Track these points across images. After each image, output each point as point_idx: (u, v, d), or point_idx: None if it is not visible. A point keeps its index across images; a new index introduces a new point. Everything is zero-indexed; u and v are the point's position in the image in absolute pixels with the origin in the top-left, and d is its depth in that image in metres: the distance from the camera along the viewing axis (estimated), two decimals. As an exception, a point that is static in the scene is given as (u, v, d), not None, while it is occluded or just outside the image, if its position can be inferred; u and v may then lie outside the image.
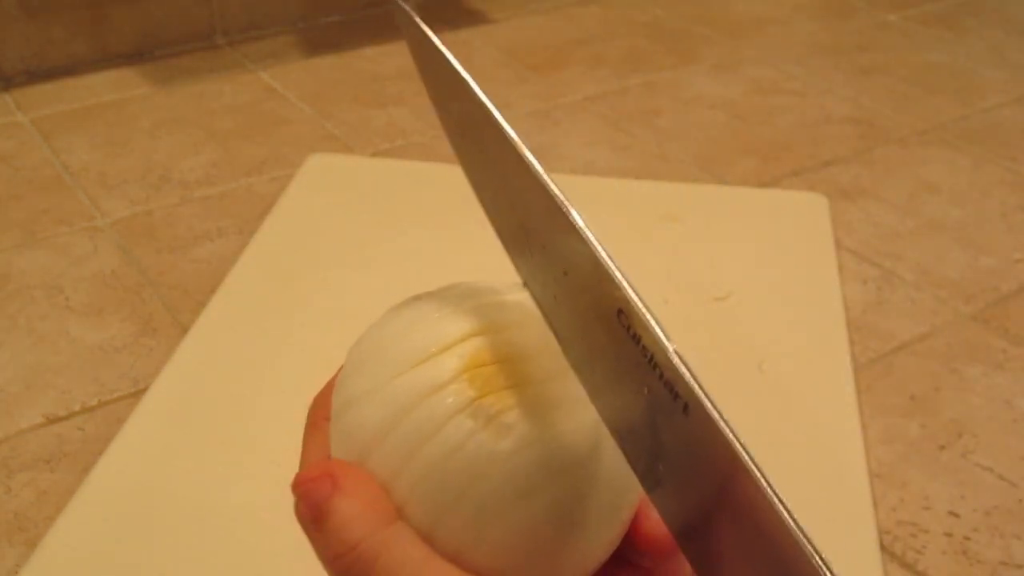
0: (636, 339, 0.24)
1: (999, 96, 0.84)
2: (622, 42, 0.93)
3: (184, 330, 0.54)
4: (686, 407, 0.23)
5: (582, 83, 0.85)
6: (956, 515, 0.45)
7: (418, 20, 0.28)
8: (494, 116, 0.28)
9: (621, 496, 0.24)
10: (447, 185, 0.68)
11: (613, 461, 0.24)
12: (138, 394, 0.50)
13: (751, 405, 0.49)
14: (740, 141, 0.76)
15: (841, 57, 0.91)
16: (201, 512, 0.42)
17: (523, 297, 0.27)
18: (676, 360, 0.23)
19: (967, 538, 0.43)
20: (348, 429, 0.26)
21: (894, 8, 1.01)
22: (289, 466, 0.46)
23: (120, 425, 0.47)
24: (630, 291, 0.23)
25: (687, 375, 0.23)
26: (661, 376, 0.24)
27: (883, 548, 0.42)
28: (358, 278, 0.57)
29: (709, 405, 0.22)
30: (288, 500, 0.40)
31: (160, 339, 0.55)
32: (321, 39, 0.93)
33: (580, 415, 0.24)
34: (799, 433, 0.46)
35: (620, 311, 0.24)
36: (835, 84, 0.85)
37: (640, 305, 0.23)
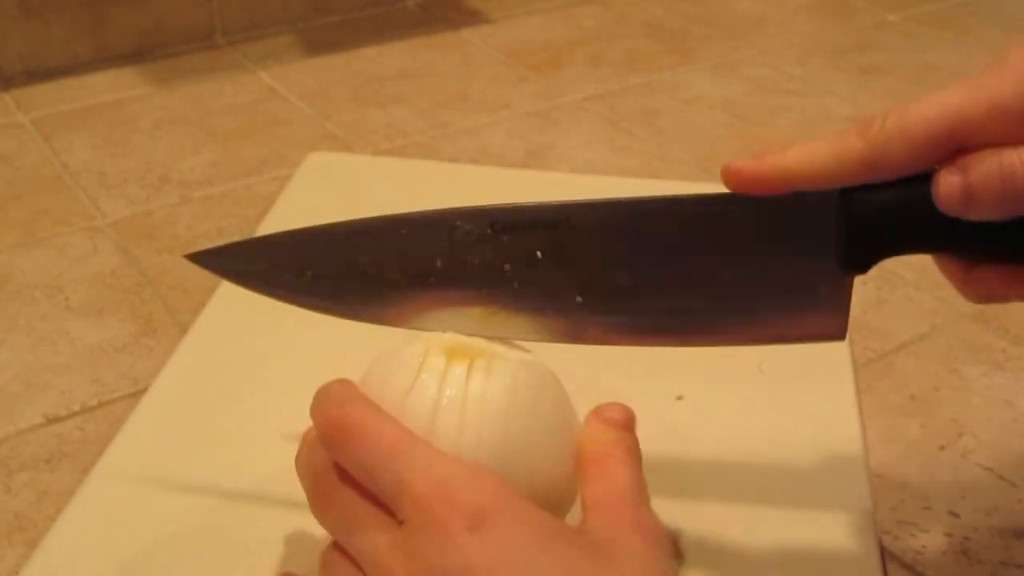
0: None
1: (999, 96, 0.83)
2: (622, 42, 0.93)
3: (184, 330, 0.54)
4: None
5: (582, 83, 0.85)
6: (956, 515, 0.45)
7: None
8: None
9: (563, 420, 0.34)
10: (448, 183, 0.68)
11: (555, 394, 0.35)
12: (138, 394, 0.50)
13: (751, 405, 0.49)
14: (740, 141, 0.76)
15: (841, 57, 0.91)
16: (201, 512, 0.42)
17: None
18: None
19: (967, 538, 0.43)
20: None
21: (894, 8, 1.01)
22: (288, 465, 0.46)
23: (120, 425, 0.47)
24: None
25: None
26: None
27: (883, 548, 0.42)
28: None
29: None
30: (288, 499, 0.41)
31: (160, 339, 0.55)
32: (321, 39, 0.93)
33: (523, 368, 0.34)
34: (799, 433, 0.46)
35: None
36: (835, 84, 0.85)
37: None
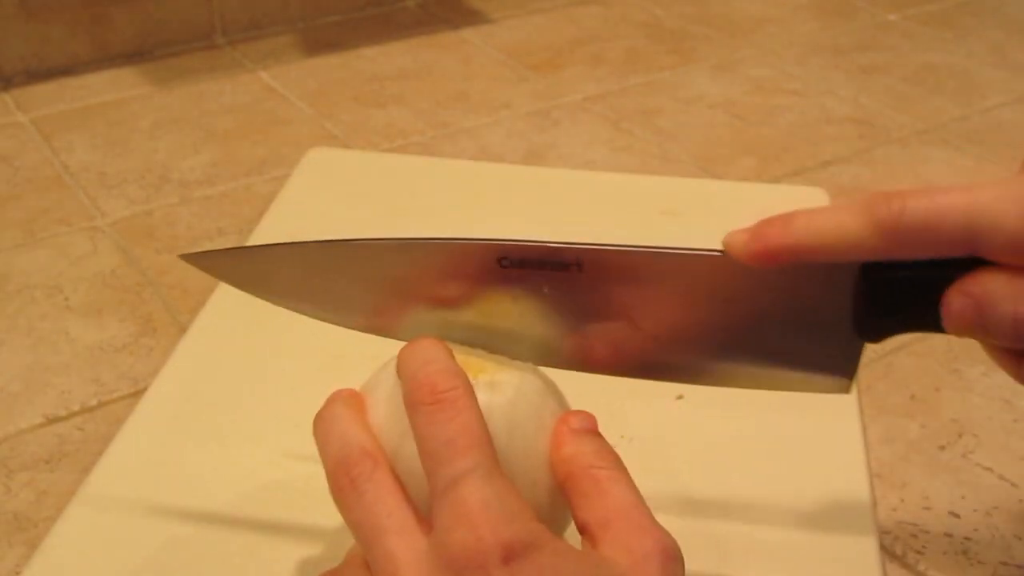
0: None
1: (999, 96, 0.84)
2: (622, 42, 0.93)
3: (183, 330, 0.54)
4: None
5: (582, 83, 0.85)
6: (956, 515, 0.45)
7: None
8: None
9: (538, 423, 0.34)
10: (448, 180, 0.68)
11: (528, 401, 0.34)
12: (138, 394, 0.50)
13: (750, 404, 0.49)
14: (740, 141, 0.76)
15: (841, 57, 0.91)
16: (202, 512, 0.42)
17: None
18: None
19: (967, 538, 0.43)
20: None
21: (894, 8, 1.01)
22: (289, 465, 0.46)
23: (120, 425, 0.47)
24: None
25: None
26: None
27: (883, 548, 0.42)
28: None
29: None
30: (288, 499, 0.41)
31: (160, 339, 0.55)
32: (321, 39, 0.93)
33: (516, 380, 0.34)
34: (799, 433, 0.46)
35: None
36: (835, 84, 0.85)
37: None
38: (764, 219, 0.32)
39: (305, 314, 0.37)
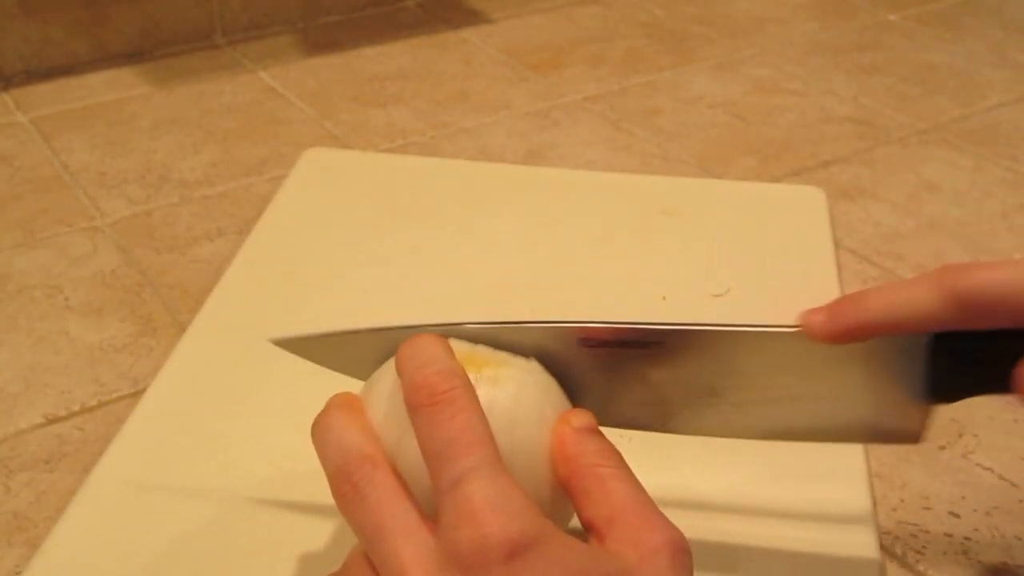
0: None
1: (999, 96, 0.84)
2: (622, 42, 0.93)
3: (183, 330, 0.54)
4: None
5: (582, 83, 0.85)
6: (956, 515, 0.45)
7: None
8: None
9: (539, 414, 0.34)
10: (447, 180, 0.68)
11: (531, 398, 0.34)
12: (138, 394, 0.50)
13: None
14: (740, 141, 0.76)
15: (841, 57, 0.91)
16: (201, 512, 0.42)
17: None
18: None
19: (967, 539, 0.43)
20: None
21: (894, 8, 1.01)
22: (288, 465, 0.46)
23: (120, 425, 0.47)
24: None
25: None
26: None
27: (883, 548, 0.42)
28: (356, 274, 0.57)
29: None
30: (288, 499, 0.41)
31: (160, 339, 0.55)
32: (321, 39, 0.93)
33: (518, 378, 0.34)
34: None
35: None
36: (835, 84, 0.85)
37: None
38: (838, 299, 0.34)
39: None
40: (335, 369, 0.38)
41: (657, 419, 0.37)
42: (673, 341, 0.35)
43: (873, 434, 0.37)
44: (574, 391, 0.36)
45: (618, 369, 0.36)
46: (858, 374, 0.35)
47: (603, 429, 0.34)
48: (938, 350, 0.34)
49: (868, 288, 0.34)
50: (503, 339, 0.36)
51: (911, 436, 0.37)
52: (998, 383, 0.34)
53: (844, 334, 0.34)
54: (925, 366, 0.35)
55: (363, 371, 0.37)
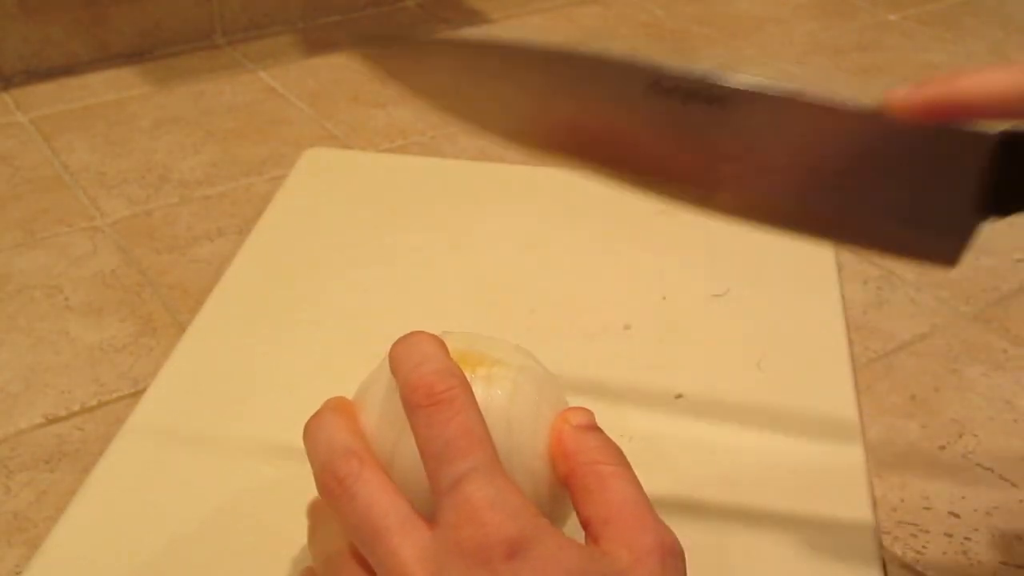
0: None
1: (999, 96, 0.83)
2: (622, 42, 0.93)
3: (183, 330, 0.54)
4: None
5: (582, 83, 0.85)
6: (956, 515, 0.45)
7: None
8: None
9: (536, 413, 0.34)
10: (447, 180, 0.68)
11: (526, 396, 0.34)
12: (138, 394, 0.50)
13: (750, 404, 0.49)
14: (740, 141, 0.76)
15: (841, 57, 0.91)
16: (202, 512, 0.42)
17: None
18: None
19: (967, 538, 0.43)
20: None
21: (894, 8, 1.01)
22: (288, 465, 0.46)
23: (120, 425, 0.47)
24: None
25: None
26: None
27: (883, 548, 0.42)
28: (356, 274, 0.57)
29: None
30: (288, 499, 0.41)
31: (160, 339, 0.55)
32: (321, 39, 0.93)
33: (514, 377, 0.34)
34: (799, 432, 0.46)
35: None
36: (835, 84, 0.85)
37: None
38: (927, 78, 0.33)
39: (453, 116, 0.38)
40: (405, 85, 0.39)
41: (704, 185, 0.37)
42: (740, 101, 0.35)
43: (912, 242, 0.36)
44: (633, 144, 0.36)
45: (680, 128, 0.35)
46: (917, 168, 0.34)
47: (603, 428, 0.34)
48: (1002, 155, 0.33)
49: (960, 70, 0.33)
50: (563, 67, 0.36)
51: (949, 254, 0.35)
52: None
53: (926, 108, 0.33)
54: (985, 173, 0.33)
55: (428, 91, 0.38)
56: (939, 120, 0.33)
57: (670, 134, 0.36)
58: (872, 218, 0.36)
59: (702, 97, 0.35)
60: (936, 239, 0.35)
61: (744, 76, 0.35)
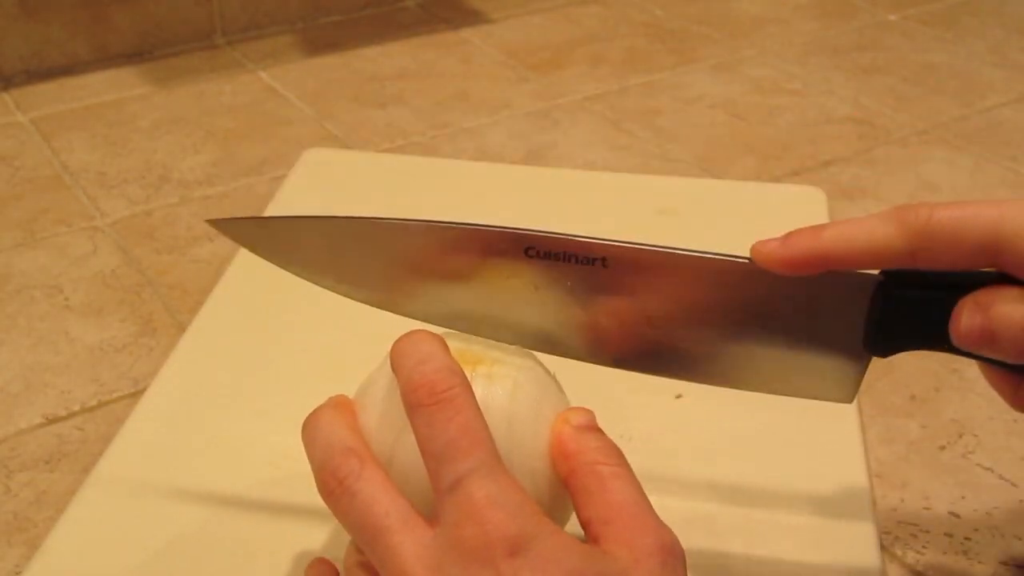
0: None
1: (999, 96, 0.84)
2: (622, 42, 0.93)
3: (184, 330, 0.54)
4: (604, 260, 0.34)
5: (582, 83, 0.85)
6: (956, 515, 0.45)
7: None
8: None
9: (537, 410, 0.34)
10: (447, 180, 0.68)
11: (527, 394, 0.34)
12: (138, 394, 0.50)
13: (749, 403, 0.49)
14: (740, 141, 0.76)
15: (841, 57, 0.91)
16: (201, 512, 0.42)
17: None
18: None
19: (967, 538, 0.43)
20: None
21: (894, 8, 1.01)
22: (288, 465, 0.46)
23: (120, 425, 0.47)
24: None
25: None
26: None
27: (883, 548, 0.42)
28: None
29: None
30: (288, 499, 0.41)
31: (160, 339, 0.55)
32: (321, 39, 0.93)
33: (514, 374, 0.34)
34: (798, 432, 0.46)
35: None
36: (835, 84, 0.85)
37: None
38: (794, 230, 0.33)
39: (323, 286, 0.37)
40: (269, 259, 0.37)
41: (588, 347, 0.36)
42: (617, 260, 0.34)
43: (805, 386, 0.36)
44: (513, 308, 0.35)
45: (560, 286, 0.35)
46: (800, 316, 0.34)
47: (603, 428, 0.34)
48: (880, 298, 0.33)
49: (826, 222, 0.33)
50: (433, 239, 0.36)
51: (844, 392, 0.36)
52: (936, 336, 0.33)
53: (795, 262, 0.33)
54: (866, 314, 0.34)
55: (295, 262, 0.37)
56: (806, 273, 0.33)
57: (547, 293, 0.35)
58: (762, 364, 0.36)
59: (577, 259, 0.35)
60: (827, 381, 0.36)
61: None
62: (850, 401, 0.36)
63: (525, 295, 0.35)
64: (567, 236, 0.35)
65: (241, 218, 0.38)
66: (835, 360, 0.35)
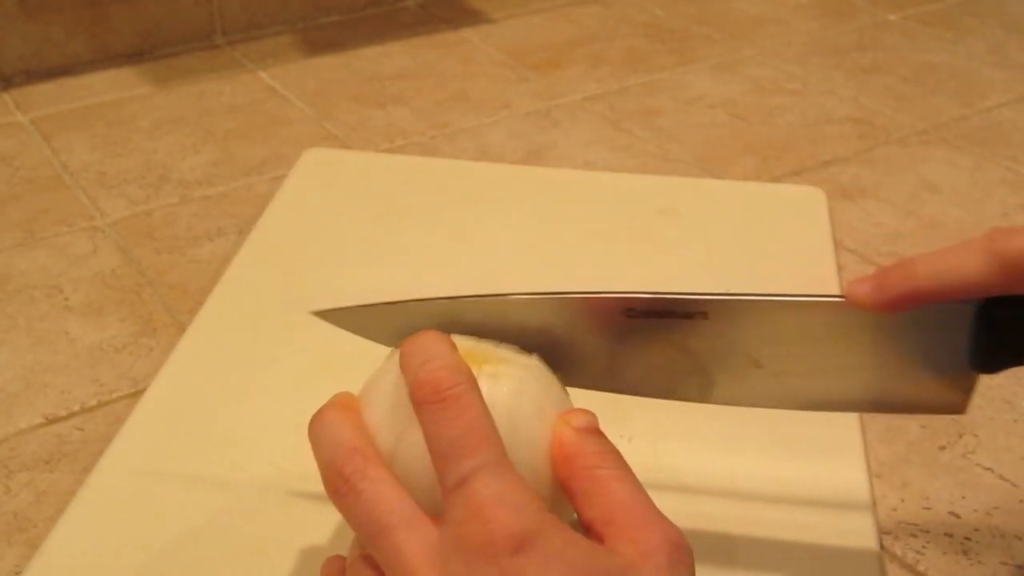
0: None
1: (999, 96, 0.84)
2: (622, 42, 0.93)
3: (183, 330, 0.54)
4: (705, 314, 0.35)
5: (582, 83, 0.85)
6: (956, 515, 0.45)
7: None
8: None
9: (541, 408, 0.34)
10: (446, 180, 0.68)
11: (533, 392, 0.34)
12: (138, 394, 0.50)
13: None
14: (740, 141, 0.76)
15: (841, 57, 0.91)
16: (201, 512, 0.42)
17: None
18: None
19: (967, 538, 0.43)
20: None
21: (894, 8, 1.01)
22: (288, 465, 0.46)
23: (120, 425, 0.47)
24: None
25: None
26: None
27: (883, 548, 0.42)
28: (356, 274, 0.57)
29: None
30: (288, 499, 0.41)
31: (160, 339, 0.55)
32: (321, 39, 0.93)
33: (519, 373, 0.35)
34: (798, 433, 0.46)
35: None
36: (835, 84, 0.85)
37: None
38: (883, 268, 0.34)
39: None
40: (378, 341, 0.37)
41: (698, 390, 0.38)
42: (716, 311, 0.35)
43: (917, 404, 0.37)
44: (620, 363, 0.37)
45: (662, 340, 0.36)
46: (903, 343, 0.35)
47: (603, 428, 0.34)
48: (985, 317, 0.33)
49: (915, 255, 0.33)
50: (536, 314, 0.36)
51: (955, 407, 0.36)
52: None
53: (891, 304, 0.33)
54: (971, 334, 0.34)
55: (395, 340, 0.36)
56: (901, 311, 0.33)
57: (654, 349, 0.36)
58: (874, 396, 0.37)
59: (678, 315, 0.36)
60: (936, 402, 0.36)
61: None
62: (963, 412, 0.37)
63: (629, 350, 0.37)
64: (666, 294, 0.36)
65: (345, 308, 0.38)
66: (944, 381, 0.36)
